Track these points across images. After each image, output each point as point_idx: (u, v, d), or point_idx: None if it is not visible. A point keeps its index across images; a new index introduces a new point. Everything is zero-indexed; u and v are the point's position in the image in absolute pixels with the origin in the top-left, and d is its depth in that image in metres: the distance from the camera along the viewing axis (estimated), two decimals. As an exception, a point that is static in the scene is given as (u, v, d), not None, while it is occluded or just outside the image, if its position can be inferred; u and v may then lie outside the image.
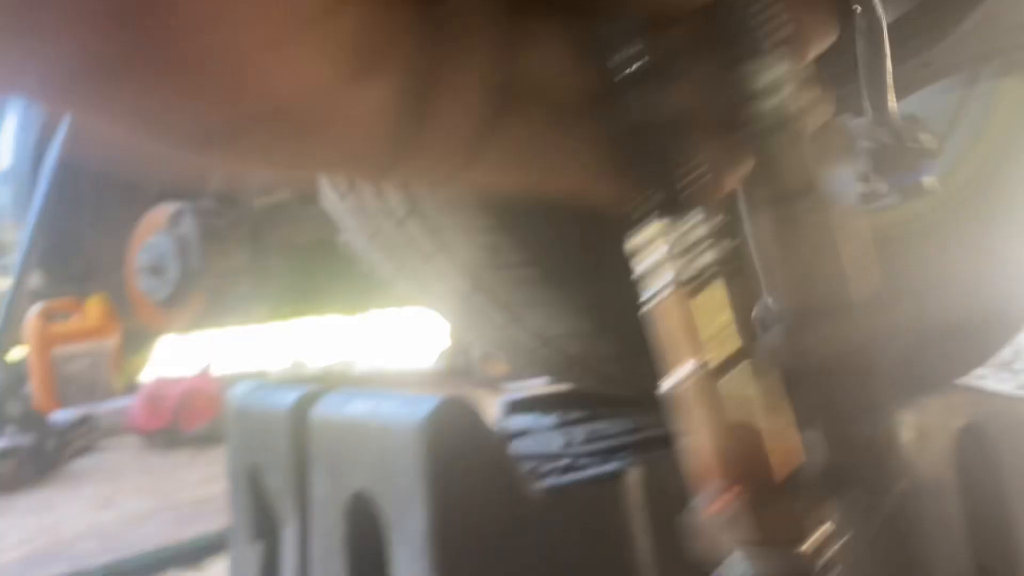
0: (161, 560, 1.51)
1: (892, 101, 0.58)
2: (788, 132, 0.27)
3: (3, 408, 2.42)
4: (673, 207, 0.26)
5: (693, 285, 0.25)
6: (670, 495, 0.66)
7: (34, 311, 3.22)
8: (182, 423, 2.60)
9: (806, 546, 0.26)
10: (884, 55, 0.56)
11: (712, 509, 0.26)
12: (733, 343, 0.25)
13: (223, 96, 0.22)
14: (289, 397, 0.74)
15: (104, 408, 2.95)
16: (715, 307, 0.25)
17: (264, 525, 0.82)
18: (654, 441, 0.82)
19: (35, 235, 2.87)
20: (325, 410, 0.68)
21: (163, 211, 2.88)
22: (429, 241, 0.83)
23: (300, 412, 0.72)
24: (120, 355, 3.44)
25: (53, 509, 2.03)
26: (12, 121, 3.29)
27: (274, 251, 2.92)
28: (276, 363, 4.16)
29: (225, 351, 3.63)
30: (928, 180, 0.56)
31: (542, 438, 0.75)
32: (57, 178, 2.92)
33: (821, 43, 0.29)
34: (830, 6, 0.29)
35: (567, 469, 0.71)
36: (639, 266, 0.27)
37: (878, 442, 0.26)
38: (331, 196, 0.90)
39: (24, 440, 2.35)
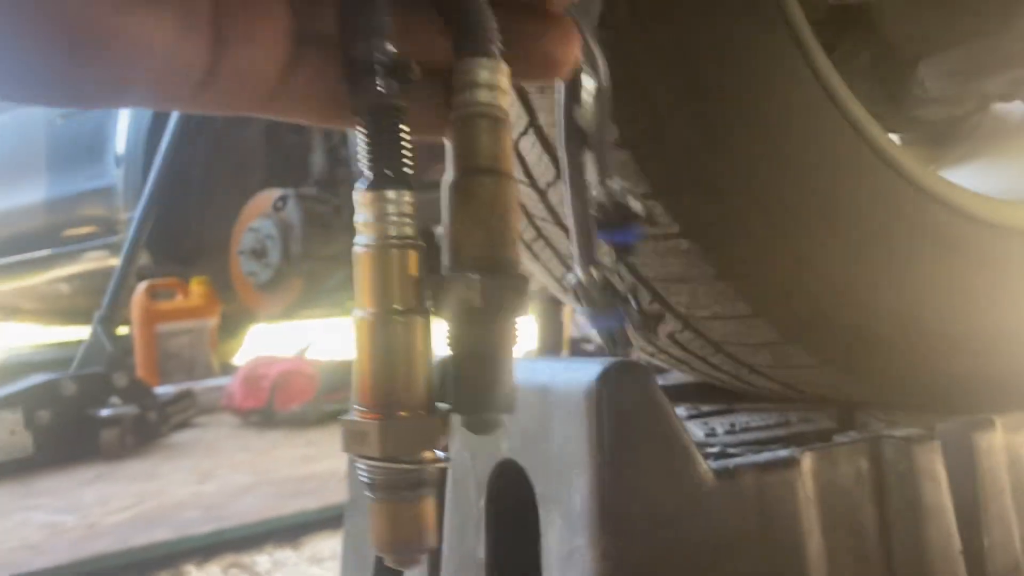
0: (261, 534, 1.52)
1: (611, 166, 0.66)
2: (489, 120, 0.33)
3: (110, 379, 2.49)
4: (379, 182, 0.32)
5: (379, 250, 0.32)
6: (839, 485, 0.60)
7: (140, 289, 3.33)
8: (278, 404, 2.63)
9: (407, 466, 0.32)
10: (608, 123, 0.64)
11: (354, 423, 0.32)
12: (397, 301, 0.32)
13: (9, 19, 0.25)
14: (427, 363, 0.71)
15: (202, 385, 3.02)
16: (391, 270, 0.32)
17: (388, 496, 0.80)
18: (807, 435, 0.77)
19: (145, 217, 2.96)
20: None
21: (268, 196, 2.94)
22: (572, 211, 0.80)
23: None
24: (217, 336, 3.53)
25: (156, 478, 2.07)
26: (127, 109, 3.41)
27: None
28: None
29: (315, 339, 3.68)
30: (636, 241, 0.66)
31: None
32: (168, 163, 3.01)
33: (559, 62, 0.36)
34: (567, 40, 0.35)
35: (719, 456, 0.66)
36: (355, 222, 0.33)
37: (491, 385, 0.33)
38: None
39: (129, 410, 2.42)
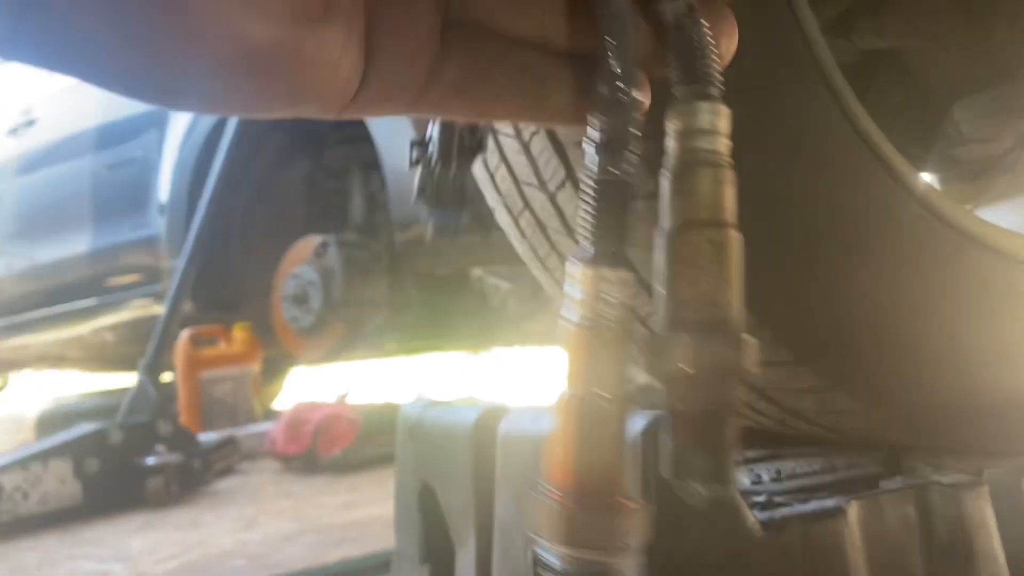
0: (307, 582, 1.53)
1: None
2: (710, 168, 0.32)
3: (154, 427, 2.53)
4: (599, 259, 0.31)
5: (590, 330, 0.31)
6: (887, 534, 0.60)
7: (183, 336, 3.38)
8: (320, 449, 2.65)
9: (592, 558, 0.31)
10: None
11: (545, 503, 0.31)
12: (605, 386, 0.31)
13: (200, 43, 0.26)
14: (471, 414, 0.73)
15: (245, 431, 3.06)
16: (603, 353, 0.31)
17: (435, 546, 0.81)
18: (853, 481, 0.76)
19: (190, 265, 3.02)
20: (514, 426, 0.66)
21: (309, 243, 2.99)
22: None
23: (485, 429, 0.70)
24: (259, 381, 3.57)
25: (200, 526, 2.09)
26: (171, 158, 3.50)
27: (410, 284, 2.97)
28: (403, 396, 4.21)
29: (356, 382, 3.71)
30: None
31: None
32: (210, 211, 3.07)
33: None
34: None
35: (766, 506, 0.66)
36: (566, 293, 0.32)
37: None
38: (505, 218, 0.89)
39: (174, 458, 2.45)
